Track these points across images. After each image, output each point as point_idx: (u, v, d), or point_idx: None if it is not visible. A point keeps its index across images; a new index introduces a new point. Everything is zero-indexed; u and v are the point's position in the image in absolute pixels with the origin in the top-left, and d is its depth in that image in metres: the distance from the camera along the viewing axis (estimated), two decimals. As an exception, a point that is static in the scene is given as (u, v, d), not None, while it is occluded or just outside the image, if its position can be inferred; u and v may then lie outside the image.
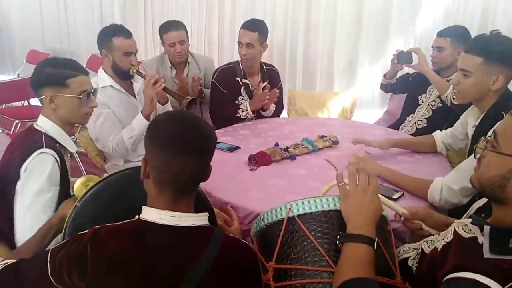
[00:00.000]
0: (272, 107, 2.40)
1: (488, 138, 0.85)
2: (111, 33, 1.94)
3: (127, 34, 1.96)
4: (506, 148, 0.78)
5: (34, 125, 1.42)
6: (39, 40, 4.45)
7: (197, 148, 0.92)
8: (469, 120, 1.70)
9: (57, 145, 1.39)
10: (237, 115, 2.34)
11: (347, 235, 0.88)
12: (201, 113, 2.70)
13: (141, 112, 1.92)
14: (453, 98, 2.04)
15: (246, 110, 2.32)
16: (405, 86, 2.53)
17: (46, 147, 1.31)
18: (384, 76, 2.58)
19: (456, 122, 1.82)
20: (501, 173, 0.78)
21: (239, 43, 2.30)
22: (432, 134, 1.93)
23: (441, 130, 1.92)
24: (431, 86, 2.31)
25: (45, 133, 1.38)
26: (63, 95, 1.39)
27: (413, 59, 2.31)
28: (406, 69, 2.78)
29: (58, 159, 1.33)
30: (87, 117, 1.49)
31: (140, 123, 1.91)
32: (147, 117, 1.90)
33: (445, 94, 2.13)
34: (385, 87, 2.63)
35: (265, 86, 2.31)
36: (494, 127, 0.88)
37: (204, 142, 0.94)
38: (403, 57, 2.35)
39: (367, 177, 0.95)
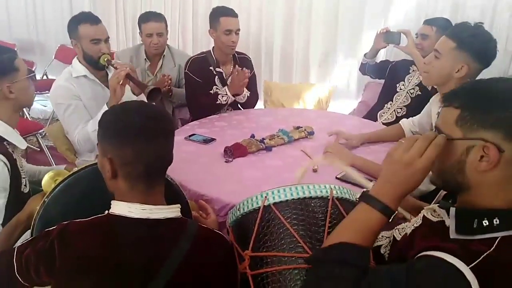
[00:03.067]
0: (246, 92, 2.38)
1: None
2: (77, 21, 1.85)
3: (93, 20, 1.86)
4: (452, 133, 0.80)
5: None
6: (5, 30, 4.24)
7: (165, 131, 0.93)
8: (433, 108, 1.74)
9: (5, 142, 1.31)
10: (217, 102, 2.30)
11: (368, 196, 0.83)
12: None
13: (107, 104, 1.82)
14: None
15: (226, 94, 2.29)
16: (382, 73, 2.55)
17: None
18: (365, 55, 2.59)
19: (422, 111, 1.87)
20: (456, 158, 0.80)
21: (229, 31, 2.25)
22: (399, 122, 1.97)
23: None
24: (410, 75, 2.36)
25: None
26: (18, 80, 1.32)
27: (401, 41, 2.31)
28: (386, 56, 2.81)
29: (6, 161, 1.25)
30: (34, 96, 1.45)
31: None
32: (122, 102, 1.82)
33: None
34: (363, 68, 2.64)
35: (237, 70, 2.28)
36: (435, 123, 0.88)
37: (168, 124, 0.95)
38: (391, 37, 2.34)
39: (422, 149, 0.79)
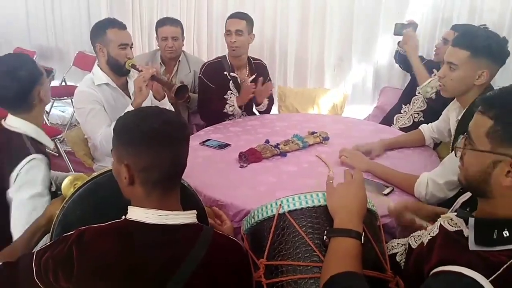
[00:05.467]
0: (266, 101, 2.41)
1: (466, 136, 0.88)
2: (105, 26, 1.87)
3: (121, 25, 1.89)
4: (480, 145, 0.81)
5: (5, 125, 1.39)
6: (24, 37, 4.36)
7: (181, 138, 0.93)
8: (451, 115, 1.71)
9: (37, 143, 1.38)
10: (224, 110, 2.32)
11: (333, 230, 0.88)
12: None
13: (131, 103, 1.83)
14: (434, 93, 2.13)
15: (233, 105, 2.31)
16: (411, 67, 2.51)
17: (36, 152, 1.31)
18: (398, 43, 2.57)
19: (440, 117, 1.84)
20: (482, 169, 0.81)
21: (228, 31, 2.30)
22: (419, 128, 1.95)
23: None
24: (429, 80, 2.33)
25: (24, 135, 1.36)
26: (45, 82, 1.41)
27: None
28: (420, 52, 2.76)
29: (48, 162, 1.34)
30: None
31: None
32: (137, 108, 1.80)
33: (421, 86, 2.18)
34: (395, 55, 2.63)
35: (257, 80, 2.29)
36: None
37: (184, 130, 0.95)
38: (397, 29, 2.34)
39: (351, 172, 0.96)
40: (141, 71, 1.84)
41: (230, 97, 2.36)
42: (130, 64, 1.88)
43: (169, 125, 0.91)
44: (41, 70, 1.42)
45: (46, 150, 1.43)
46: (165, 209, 0.91)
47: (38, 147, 1.37)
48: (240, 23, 2.29)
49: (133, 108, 1.79)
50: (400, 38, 2.49)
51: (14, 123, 1.38)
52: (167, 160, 0.90)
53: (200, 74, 2.41)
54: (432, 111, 2.25)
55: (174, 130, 0.92)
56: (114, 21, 1.90)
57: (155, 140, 0.89)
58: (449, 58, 1.54)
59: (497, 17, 2.66)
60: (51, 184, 1.40)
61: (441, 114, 2.03)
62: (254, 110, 2.58)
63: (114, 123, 1.82)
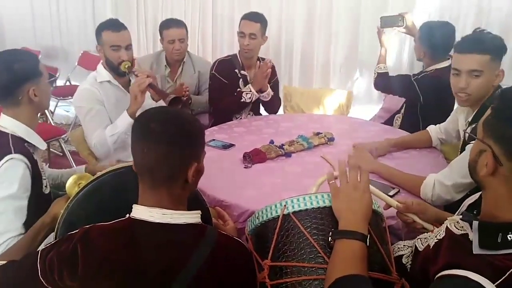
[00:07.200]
0: (270, 90, 2.36)
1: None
2: (102, 28, 1.90)
3: (116, 27, 1.89)
4: (479, 133, 0.84)
5: None
6: (30, 37, 4.39)
7: (172, 141, 0.90)
8: (460, 117, 1.70)
9: (26, 144, 1.34)
10: (241, 100, 2.30)
11: (339, 232, 0.87)
12: None
13: (127, 110, 1.84)
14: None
15: (250, 91, 2.29)
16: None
17: (15, 152, 1.26)
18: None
19: (447, 119, 1.83)
20: (473, 157, 0.84)
21: (241, 33, 2.29)
22: (427, 129, 1.93)
23: (421, 123, 1.98)
24: None
25: (11, 134, 1.32)
26: (42, 83, 1.37)
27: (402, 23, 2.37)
28: None
29: (28, 163, 1.28)
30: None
31: (124, 121, 1.83)
32: (132, 115, 1.81)
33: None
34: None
35: (259, 64, 2.29)
36: None
37: (182, 135, 0.92)
38: (383, 21, 2.40)
39: (357, 174, 0.95)
40: (137, 75, 1.84)
41: (246, 87, 2.35)
42: (126, 66, 1.89)
43: (166, 124, 0.90)
44: (42, 71, 1.38)
45: (35, 151, 1.38)
46: (169, 208, 0.90)
47: (24, 148, 1.32)
48: (255, 27, 2.28)
49: (127, 115, 1.83)
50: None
51: (4, 122, 1.35)
52: (151, 157, 0.89)
53: (212, 71, 2.41)
54: (407, 110, 2.30)
55: (169, 130, 0.90)
56: (110, 23, 1.91)
57: (143, 135, 0.90)
58: (471, 66, 1.47)
59: (504, 16, 2.64)
60: (42, 185, 1.37)
61: (416, 113, 2.10)
62: (261, 111, 2.58)
63: (109, 127, 1.85)
